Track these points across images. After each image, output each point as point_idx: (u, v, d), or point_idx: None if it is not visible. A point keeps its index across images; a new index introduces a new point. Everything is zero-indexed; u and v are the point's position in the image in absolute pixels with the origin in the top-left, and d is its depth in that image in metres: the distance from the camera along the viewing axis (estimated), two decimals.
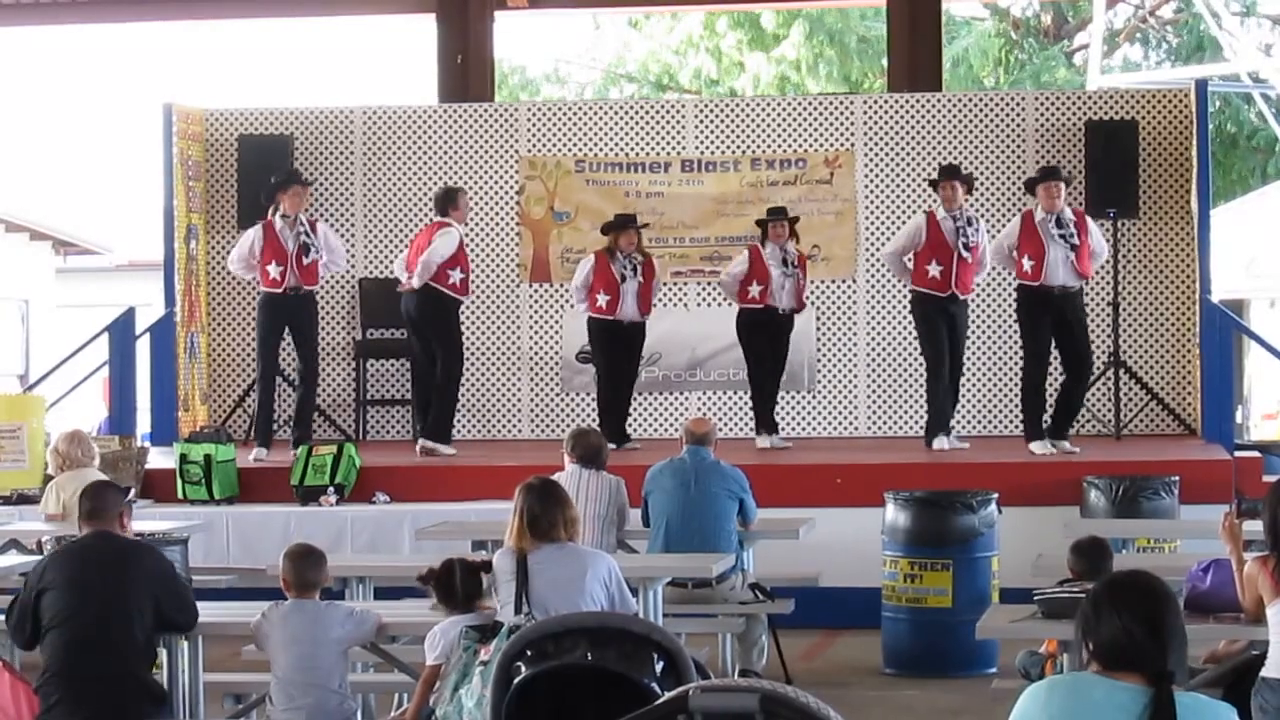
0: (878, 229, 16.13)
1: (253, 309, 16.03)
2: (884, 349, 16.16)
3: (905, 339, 15.37)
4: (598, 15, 33.69)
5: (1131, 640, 4.51)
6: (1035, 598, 7.86)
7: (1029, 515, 12.35)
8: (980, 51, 32.70)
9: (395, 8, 20.27)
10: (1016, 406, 14.82)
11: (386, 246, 16.56)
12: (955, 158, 15.87)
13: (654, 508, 10.74)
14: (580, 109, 17.54)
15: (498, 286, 16.54)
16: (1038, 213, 13.85)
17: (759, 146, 16.37)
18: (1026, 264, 13.80)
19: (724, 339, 15.36)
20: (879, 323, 16.18)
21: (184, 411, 16.30)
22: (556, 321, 16.46)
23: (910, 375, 15.63)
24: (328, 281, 15.41)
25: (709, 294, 16.19)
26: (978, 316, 15.49)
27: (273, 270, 14.31)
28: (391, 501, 13.50)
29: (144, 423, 16.47)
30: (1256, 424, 24.29)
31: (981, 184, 15.93)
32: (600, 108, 17.62)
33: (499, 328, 16.55)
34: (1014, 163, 16.13)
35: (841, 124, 16.35)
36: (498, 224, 16.55)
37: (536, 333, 16.53)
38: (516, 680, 5.42)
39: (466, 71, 17.82)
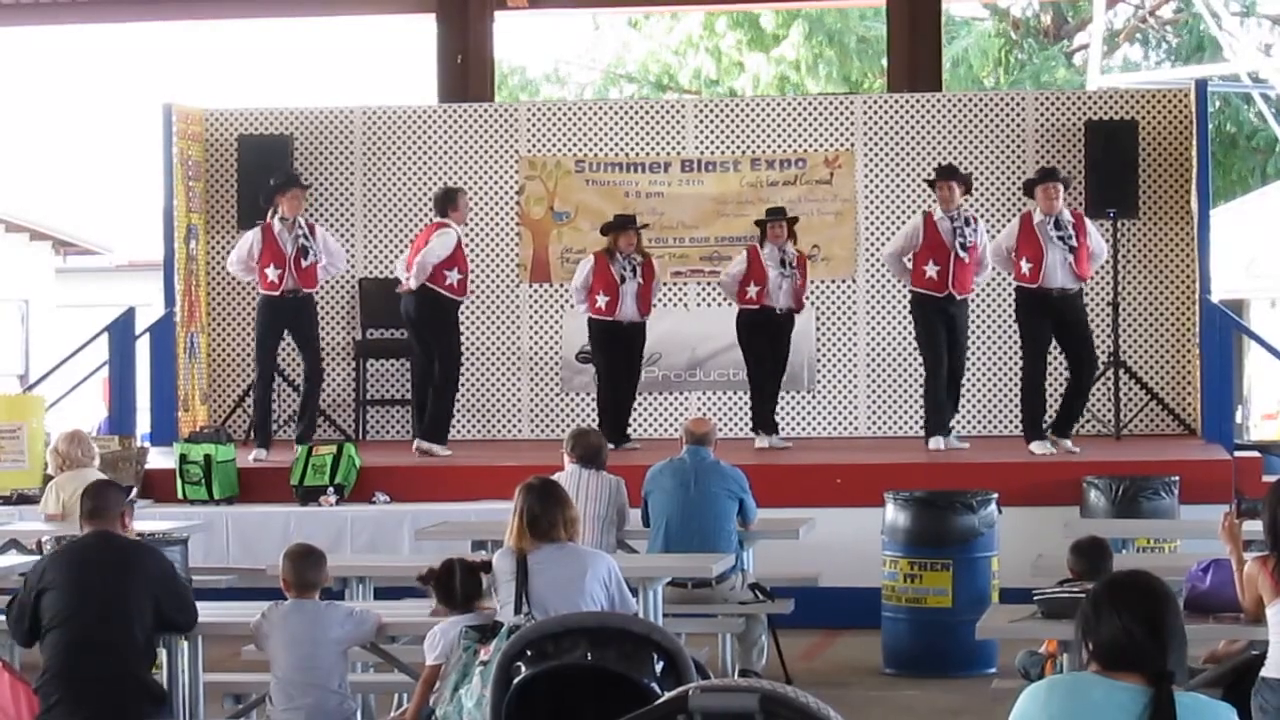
0: (878, 229, 16.13)
1: (252, 309, 16.04)
2: (884, 349, 16.16)
3: (905, 339, 15.36)
4: (597, 16, 33.70)
5: (1131, 640, 4.51)
6: (1035, 598, 7.86)
7: (1029, 515, 12.35)
8: (980, 51, 32.70)
9: (395, 8, 20.27)
10: (1016, 407, 14.83)
11: (386, 246, 16.57)
12: (955, 158, 15.87)
13: (654, 508, 10.74)
14: (580, 109, 17.54)
15: (498, 286, 16.54)
16: (1036, 214, 13.85)
17: (759, 146, 16.37)
18: (1024, 266, 13.81)
19: (724, 339, 15.37)
20: (879, 323, 16.18)
21: (184, 411, 16.30)
22: (556, 321, 16.46)
23: (910, 375, 15.63)
24: (328, 281, 15.40)
25: (709, 294, 16.19)
26: (978, 317, 15.49)
27: (271, 273, 14.31)
28: (391, 501, 13.50)
29: (144, 423, 16.47)
30: (1256, 424, 24.29)
31: (981, 184, 15.94)
32: (600, 108, 17.62)
33: (499, 328, 16.55)
34: (1014, 163, 16.13)
35: (841, 124, 16.35)
36: (497, 224, 16.55)
37: (536, 333, 16.53)
38: (516, 680, 5.42)
39: (466, 71, 17.82)
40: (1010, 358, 15.58)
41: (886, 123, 16.30)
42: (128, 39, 38.09)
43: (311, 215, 15.37)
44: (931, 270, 13.93)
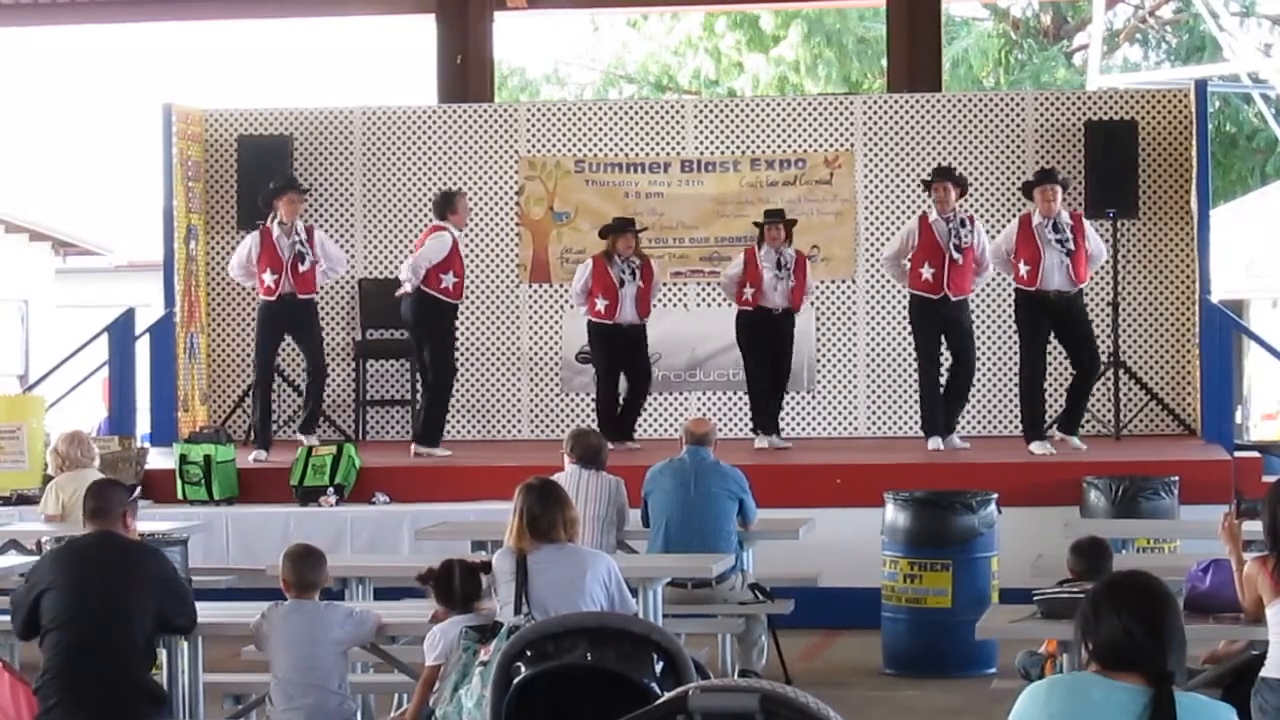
0: (877, 229, 16.13)
1: (252, 310, 16.05)
2: (884, 349, 16.16)
3: (905, 339, 15.36)
4: (596, 17, 33.70)
5: (1131, 640, 4.51)
6: (1035, 598, 7.86)
7: (1029, 515, 12.36)
8: (980, 52, 32.69)
9: (395, 8, 20.27)
10: (1016, 407, 14.83)
11: (386, 247, 16.57)
12: (955, 158, 15.88)
13: (654, 508, 10.74)
14: (580, 109, 17.54)
15: (497, 287, 16.54)
16: (1035, 216, 13.86)
17: (758, 147, 16.37)
18: (1022, 268, 13.83)
19: (723, 339, 15.37)
20: (879, 323, 16.18)
21: (184, 412, 16.30)
22: (556, 322, 16.46)
23: (910, 375, 15.62)
24: (324, 285, 15.39)
25: (709, 294, 16.19)
26: (977, 318, 15.48)
27: (268, 278, 14.33)
28: (391, 502, 13.50)
29: (144, 423, 16.47)
30: (1256, 424, 24.27)
31: (981, 185, 15.95)
32: (600, 108, 17.63)
33: (498, 328, 16.55)
34: (1014, 163, 16.13)
35: (841, 124, 16.35)
36: (497, 224, 16.55)
37: (536, 333, 16.53)
38: (516, 680, 5.42)
39: (466, 72, 17.82)
40: (1010, 358, 15.57)
41: (886, 123, 16.30)
42: (128, 39, 38.13)
43: (311, 216, 15.38)
44: (927, 272, 13.95)
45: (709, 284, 16.11)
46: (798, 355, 15.07)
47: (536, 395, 16.50)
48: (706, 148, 16.43)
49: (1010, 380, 15.59)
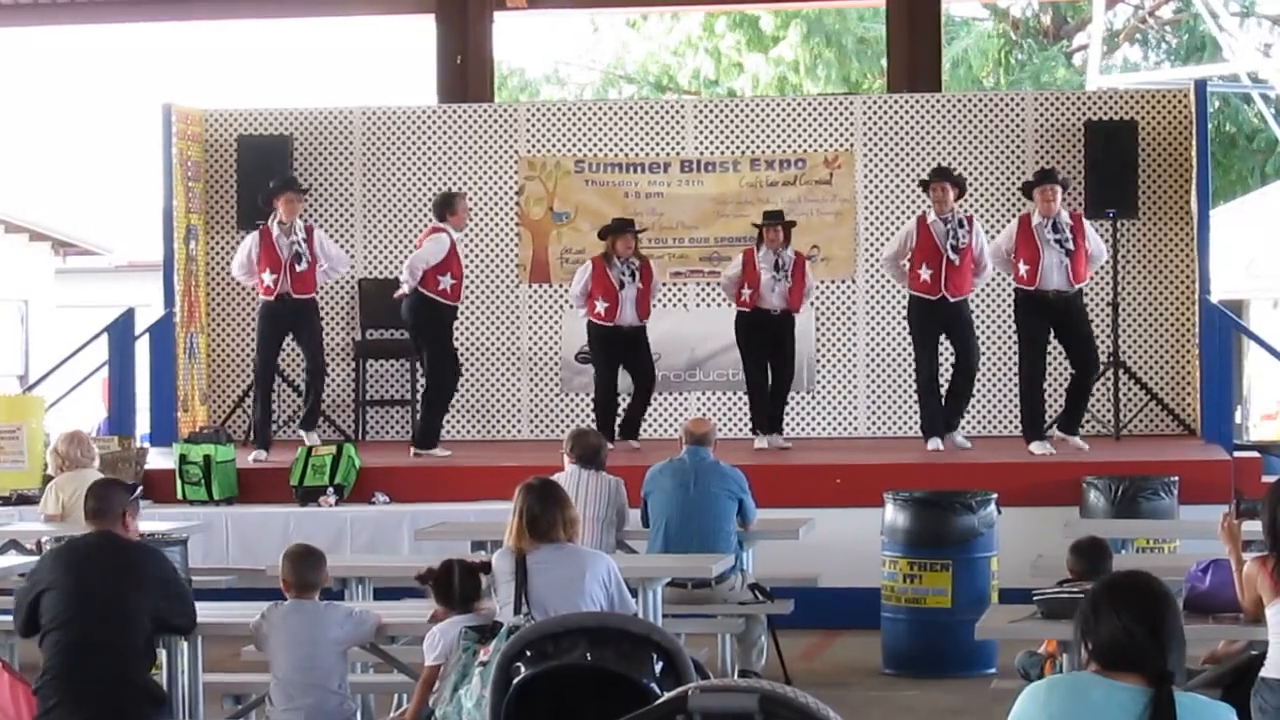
0: (877, 229, 16.13)
1: (252, 310, 16.08)
2: (884, 349, 16.16)
3: (905, 339, 15.35)
4: (595, 17, 33.71)
5: (1131, 640, 4.51)
6: (1034, 598, 7.86)
7: (1028, 515, 12.36)
8: (980, 52, 32.70)
9: (395, 8, 20.27)
10: (1016, 407, 14.83)
11: (386, 247, 16.57)
12: (955, 158, 15.88)
13: (653, 508, 10.74)
14: (579, 109, 17.53)
15: (497, 287, 16.53)
16: (1034, 216, 13.87)
17: (758, 147, 16.37)
18: (1022, 268, 13.84)
19: (723, 339, 15.37)
20: (878, 323, 16.18)
21: (183, 412, 16.30)
22: (556, 322, 16.46)
23: (910, 376, 15.61)
24: (325, 284, 15.39)
25: (708, 294, 16.19)
26: (977, 318, 15.48)
27: (268, 278, 14.34)
28: (391, 502, 13.50)
29: (143, 423, 16.47)
30: (1256, 424, 24.27)
31: (981, 185, 15.95)
32: (599, 108, 17.62)
33: (498, 328, 16.55)
34: (1013, 163, 16.12)
35: (841, 124, 16.35)
36: (497, 224, 16.55)
37: (536, 333, 16.53)
38: (516, 680, 5.42)
39: (466, 72, 17.82)
40: (1010, 358, 15.57)
41: (886, 123, 16.30)
42: (128, 39, 38.14)
43: (311, 216, 15.38)
44: (925, 274, 13.96)
45: (709, 284, 16.11)
46: (798, 355, 15.07)
47: (536, 395, 16.50)
48: (706, 148, 16.43)
49: (1010, 380, 15.59)
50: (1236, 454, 14.03)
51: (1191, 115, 15.83)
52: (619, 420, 14.70)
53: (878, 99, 17.15)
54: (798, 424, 16.03)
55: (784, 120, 16.40)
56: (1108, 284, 15.39)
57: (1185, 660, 4.62)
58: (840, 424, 16.25)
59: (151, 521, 11.36)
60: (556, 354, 16.46)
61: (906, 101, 16.43)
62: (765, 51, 32.42)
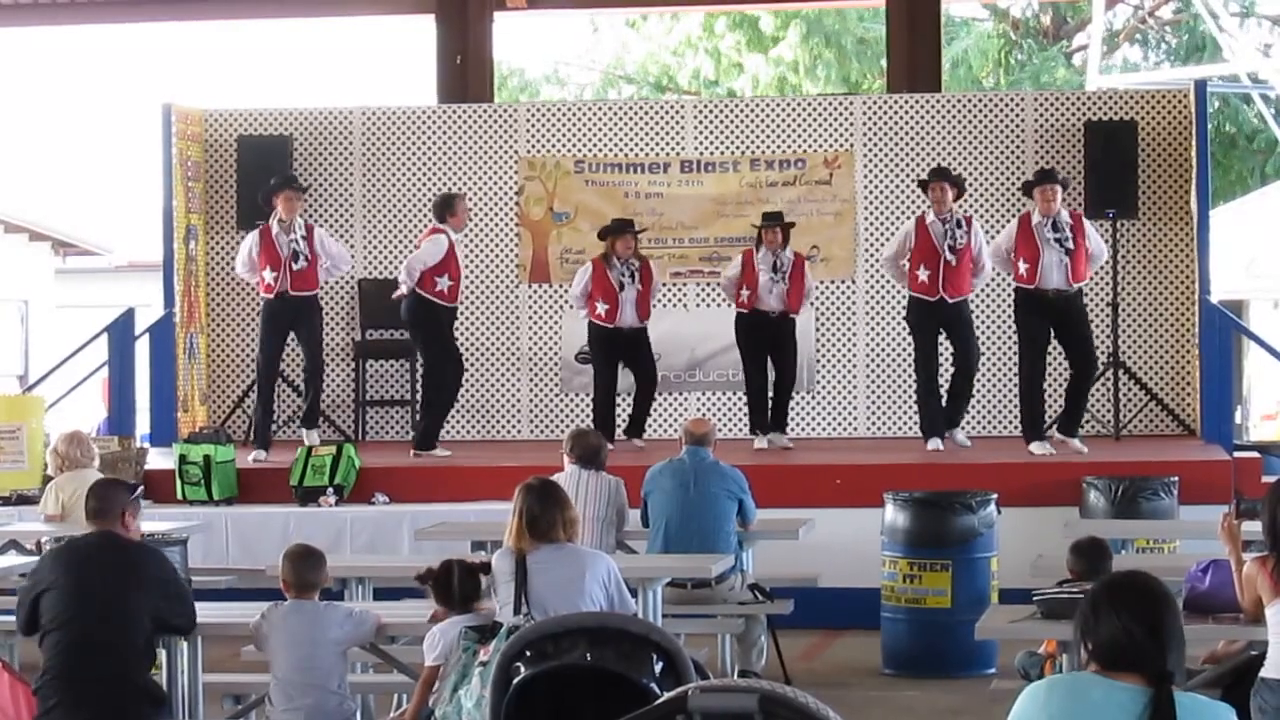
0: (877, 229, 16.13)
1: (251, 310, 16.10)
2: (883, 349, 16.16)
3: (905, 340, 15.35)
4: (595, 17, 33.71)
5: (1131, 640, 4.51)
6: (1034, 598, 7.86)
7: (1028, 516, 12.36)
8: (979, 52, 32.69)
9: (395, 8, 20.27)
10: (1016, 407, 14.83)
11: (386, 247, 16.57)
12: (954, 158, 15.88)
13: (653, 508, 10.74)
14: (579, 110, 17.54)
15: (497, 287, 16.54)
16: (1034, 215, 13.87)
17: (758, 147, 16.37)
18: (1022, 267, 13.84)
19: (723, 339, 15.38)
20: (878, 323, 16.18)
21: (183, 412, 16.30)
22: (556, 322, 16.46)
23: (910, 376, 15.62)
24: (328, 282, 15.39)
25: (708, 294, 16.19)
26: (977, 318, 15.48)
27: (268, 276, 14.36)
28: (391, 502, 13.50)
29: (143, 423, 16.47)
30: (1256, 424, 24.27)
31: (981, 185, 15.95)
32: (599, 108, 17.62)
33: (498, 328, 16.55)
34: (1013, 163, 16.13)
35: (841, 124, 16.35)
36: (497, 225, 16.55)
37: (535, 333, 16.53)
38: (516, 681, 5.42)
39: (466, 72, 17.81)
40: (1010, 358, 15.57)
41: (886, 123, 16.30)
42: (128, 39, 38.10)
43: (311, 216, 15.38)
44: (923, 274, 13.97)
45: (709, 284, 16.11)
46: (798, 355, 15.06)
47: (536, 395, 16.50)
48: (706, 148, 16.43)
49: (1010, 380, 15.59)
50: (1236, 454, 14.03)
51: (1191, 115, 15.83)
52: (625, 420, 14.71)
53: (877, 99, 17.15)
54: (798, 424, 16.02)
55: (784, 120, 16.40)
56: (1108, 284, 15.39)
57: (1185, 660, 4.62)
58: (840, 424, 16.25)
59: (151, 521, 11.36)
60: (556, 354, 16.46)
61: (906, 102, 16.43)
62: (765, 52, 32.42)
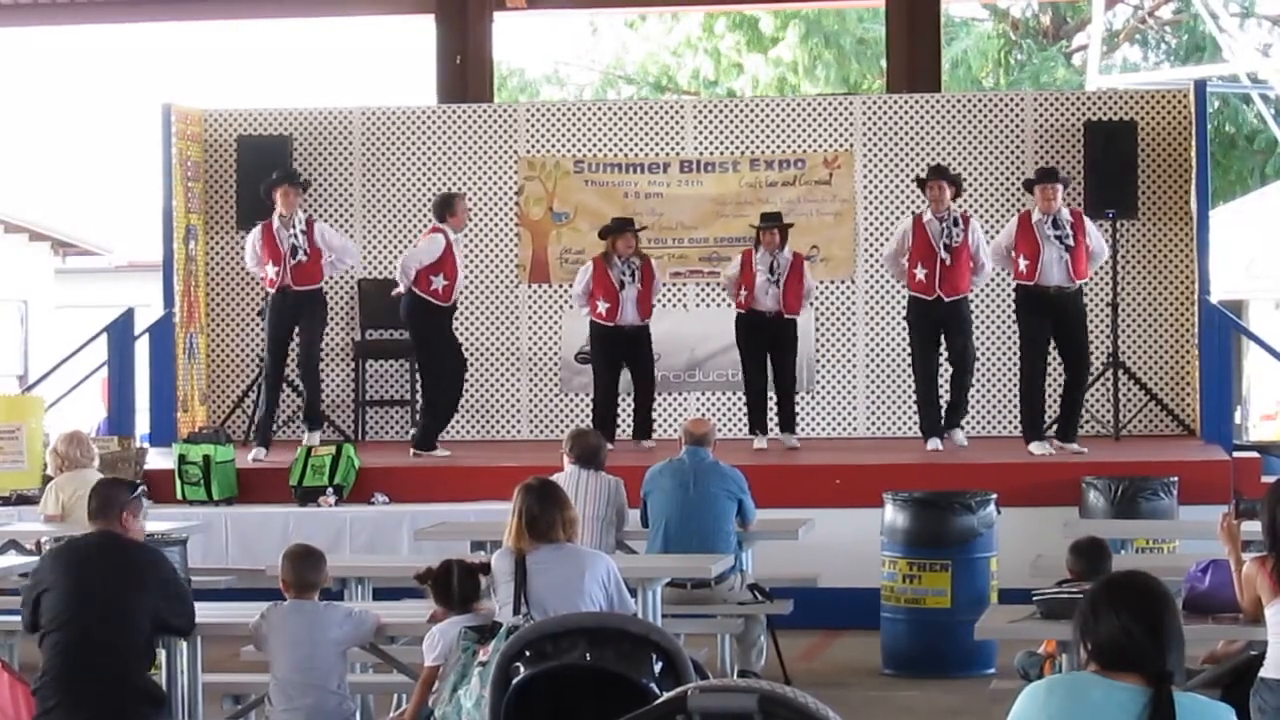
0: (877, 229, 16.12)
1: (251, 309, 16.10)
2: (883, 349, 16.15)
3: (904, 339, 15.34)
4: (595, 18, 33.72)
5: (1130, 640, 4.51)
6: (1034, 598, 7.86)
7: (1028, 516, 12.36)
8: (979, 52, 32.68)
9: (394, 8, 20.27)
10: (1016, 407, 14.83)
11: (385, 247, 16.57)
12: (954, 158, 15.88)
13: (653, 508, 10.74)
14: (579, 110, 17.54)
15: (496, 287, 16.53)
16: (1035, 213, 13.88)
17: (758, 147, 16.37)
18: (1022, 264, 13.85)
19: (723, 339, 15.38)
20: (878, 323, 16.18)
21: (183, 412, 16.30)
22: (555, 322, 16.46)
23: (909, 376, 15.62)
24: (327, 282, 15.38)
25: (708, 294, 16.20)
26: (977, 317, 15.48)
27: (271, 270, 14.37)
28: (390, 502, 13.50)
29: (143, 423, 16.47)
30: (1255, 424, 24.27)
31: (980, 185, 15.95)
32: (599, 108, 17.62)
33: (498, 328, 16.55)
34: (1013, 163, 16.12)
35: (840, 125, 16.35)
36: (497, 224, 16.55)
37: (535, 333, 16.53)
38: (515, 681, 5.42)
39: (465, 72, 17.82)
40: (1010, 358, 15.57)
41: (885, 123, 16.30)
42: (128, 39, 38.09)
43: (311, 215, 15.36)
44: (920, 273, 13.98)
45: (708, 284, 16.12)
46: (797, 355, 15.07)
47: (535, 395, 16.50)
48: (706, 148, 16.43)
49: (1010, 380, 15.59)
50: (1236, 454, 14.04)
51: (1191, 115, 15.83)
52: (630, 425, 14.71)
53: (877, 99, 17.15)
54: (798, 424, 16.00)
55: (783, 120, 16.40)
56: (1107, 284, 15.39)
57: (1185, 660, 4.62)
58: (840, 424, 16.25)
59: (151, 521, 11.31)
60: (556, 354, 16.46)
61: (906, 102, 16.43)
62: (764, 52, 32.42)
